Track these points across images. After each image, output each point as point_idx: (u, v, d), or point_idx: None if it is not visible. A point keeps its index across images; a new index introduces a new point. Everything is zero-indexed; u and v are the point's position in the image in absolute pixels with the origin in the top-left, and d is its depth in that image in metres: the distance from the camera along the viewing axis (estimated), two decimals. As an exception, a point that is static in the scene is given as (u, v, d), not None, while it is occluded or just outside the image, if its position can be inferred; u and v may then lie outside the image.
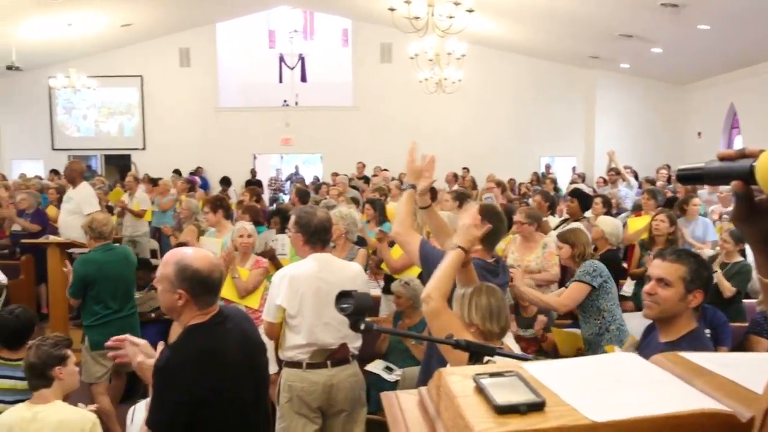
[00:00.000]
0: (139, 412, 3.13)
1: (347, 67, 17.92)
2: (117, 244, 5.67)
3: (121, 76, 17.61)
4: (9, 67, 13.43)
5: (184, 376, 2.18)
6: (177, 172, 15.50)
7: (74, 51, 15.79)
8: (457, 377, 1.06)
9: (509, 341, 2.68)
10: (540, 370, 1.07)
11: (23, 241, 7.33)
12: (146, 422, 2.21)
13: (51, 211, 8.85)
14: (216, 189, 15.78)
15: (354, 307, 1.99)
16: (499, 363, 1.62)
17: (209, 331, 2.29)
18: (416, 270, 5.24)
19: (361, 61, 17.61)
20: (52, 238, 6.70)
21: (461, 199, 6.88)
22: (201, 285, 2.29)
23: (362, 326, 1.96)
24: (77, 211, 6.98)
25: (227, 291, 4.59)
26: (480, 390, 0.99)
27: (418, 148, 3.21)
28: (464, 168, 16.12)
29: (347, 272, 3.62)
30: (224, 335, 2.32)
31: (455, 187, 11.88)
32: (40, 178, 13.33)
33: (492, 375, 1.03)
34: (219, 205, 5.76)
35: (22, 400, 3.17)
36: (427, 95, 13.72)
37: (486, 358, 1.85)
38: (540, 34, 14.59)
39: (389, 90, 17.26)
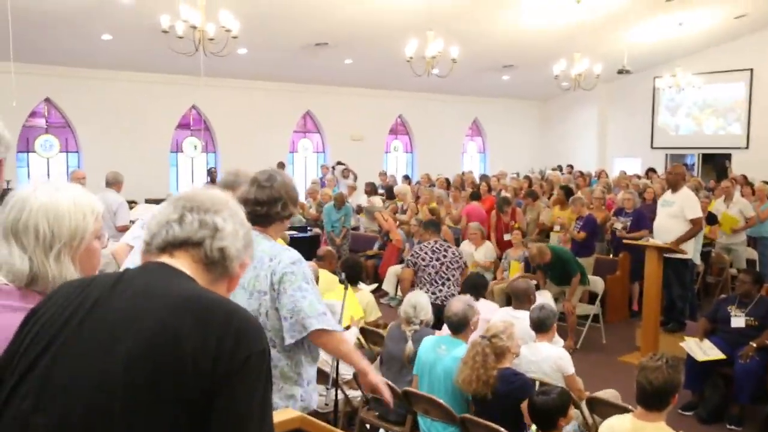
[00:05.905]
0: None
1: None
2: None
3: (727, 71, 16.79)
4: (620, 71, 14.16)
5: None
6: None
7: (681, 49, 15.71)
8: None
9: None
10: None
11: (624, 240, 7.62)
12: None
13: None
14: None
15: None
16: None
17: None
18: None
19: None
20: (651, 241, 6.78)
21: None
22: None
23: None
24: (679, 215, 6.84)
25: None
26: None
27: None
28: None
29: None
30: None
31: None
32: (639, 177, 13.66)
33: None
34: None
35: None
36: None
37: None
38: None
39: None
